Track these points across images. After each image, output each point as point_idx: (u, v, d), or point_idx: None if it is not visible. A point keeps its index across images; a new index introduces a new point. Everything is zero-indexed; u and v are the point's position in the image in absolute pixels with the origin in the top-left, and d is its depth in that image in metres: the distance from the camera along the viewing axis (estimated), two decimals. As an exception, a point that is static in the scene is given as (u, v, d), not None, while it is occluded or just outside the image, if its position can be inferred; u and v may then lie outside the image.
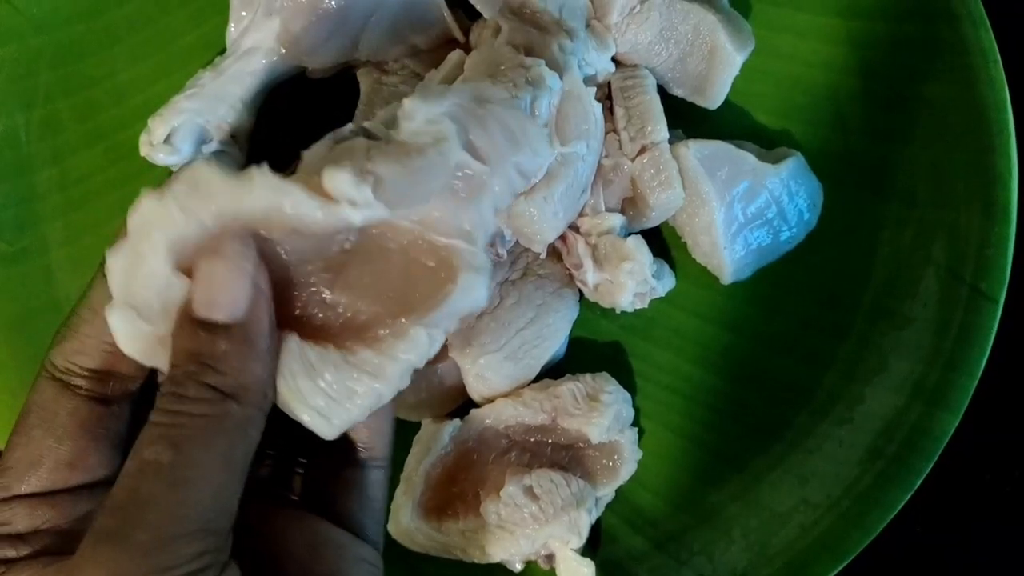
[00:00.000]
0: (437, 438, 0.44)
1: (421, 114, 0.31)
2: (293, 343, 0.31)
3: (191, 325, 0.29)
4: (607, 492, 0.46)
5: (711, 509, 0.46)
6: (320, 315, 0.32)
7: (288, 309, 0.32)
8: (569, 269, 0.47)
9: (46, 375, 0.32)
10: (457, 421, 0.45)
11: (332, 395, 0.30)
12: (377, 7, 0.45)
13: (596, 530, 0.46)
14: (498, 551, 0.43)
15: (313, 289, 0.32)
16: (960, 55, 0.47)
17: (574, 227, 0.46)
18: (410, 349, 0.31)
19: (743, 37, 0.46)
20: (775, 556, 0.45)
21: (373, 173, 0.29)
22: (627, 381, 0.48)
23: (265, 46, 0.45)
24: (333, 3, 0.44)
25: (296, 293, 0.32)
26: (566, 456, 0.45)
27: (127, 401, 0.33)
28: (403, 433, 0.45)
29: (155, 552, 0.26)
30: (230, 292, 0.29)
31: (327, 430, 0.31)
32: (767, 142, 0.49)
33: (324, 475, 0.36)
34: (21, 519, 0.31)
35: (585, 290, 0.46)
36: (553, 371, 0.47)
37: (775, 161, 0.47)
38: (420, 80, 0.46)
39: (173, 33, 0.50)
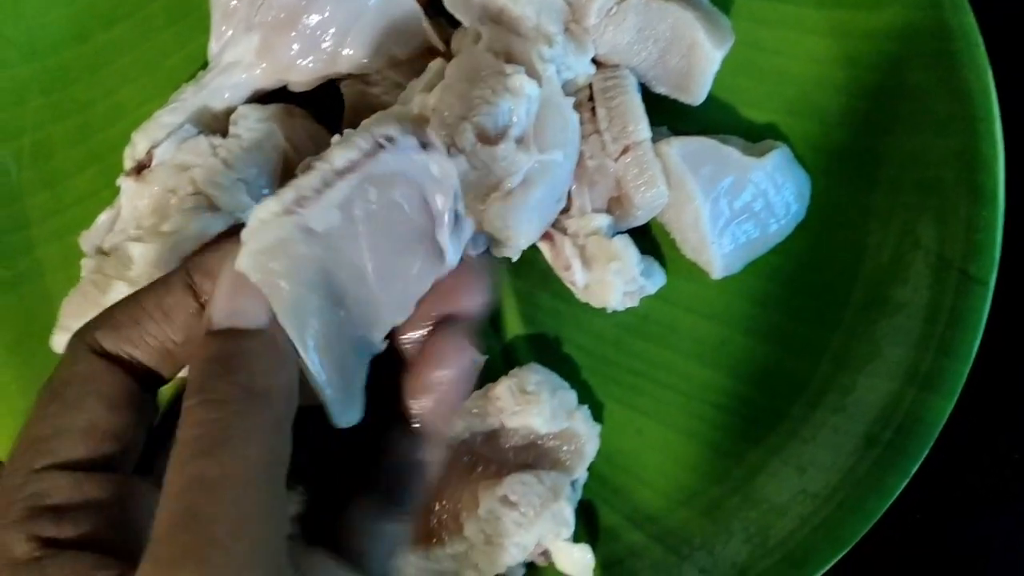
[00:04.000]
0: None
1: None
2: None
3: (213, 337, 0.28)
4: (580, 473, 0.46)
5: (710, 503, 0.47)
6: None
7: None
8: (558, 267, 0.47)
9: (86, 348, 0.29)
10: None
11: None
12: (356, 21, 0.45)
13: (594, 524, 0.47)
14: (493, 566, 0.43)
15: None
16: (942, 41, 0.47)
17: (561, 228, 0.46)
18: None
19: (722, 33, 0.46)
20: (775, 547, 0.45)
21: None
22: (622, 379, 0.48)
23: (245, 61, 0.46)
24: (312, 18, 0.45)
25: None
26: (530, 455, 0.45)
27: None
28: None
29: (235, 571, 0.25)
30: (253, 300, 0.29)
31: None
32: (753, 135, 0.49)
33: (351, 519, 0.32)
34: (62, 490, 0.27)
35: (575, 290, 0.47)
36: (490, 375, 0.47)
37: (760, 154, 0.47)
38: (402, 90, 0.46)
39: (160, 53, 0.51)
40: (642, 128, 0.45)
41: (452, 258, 0.32)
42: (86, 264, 0.45)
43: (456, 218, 0.32)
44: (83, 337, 0.30)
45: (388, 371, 0.32)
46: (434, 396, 0.32)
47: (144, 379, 0.30)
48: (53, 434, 0.28)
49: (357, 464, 0.32)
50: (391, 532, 0.32)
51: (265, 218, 0.29)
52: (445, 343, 0.32)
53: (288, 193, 0.30)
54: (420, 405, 0.32)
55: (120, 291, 0.42)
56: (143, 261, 0.42)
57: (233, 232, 0.30)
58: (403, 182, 0.31)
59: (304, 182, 0.30)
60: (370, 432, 0.32)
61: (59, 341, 0.44)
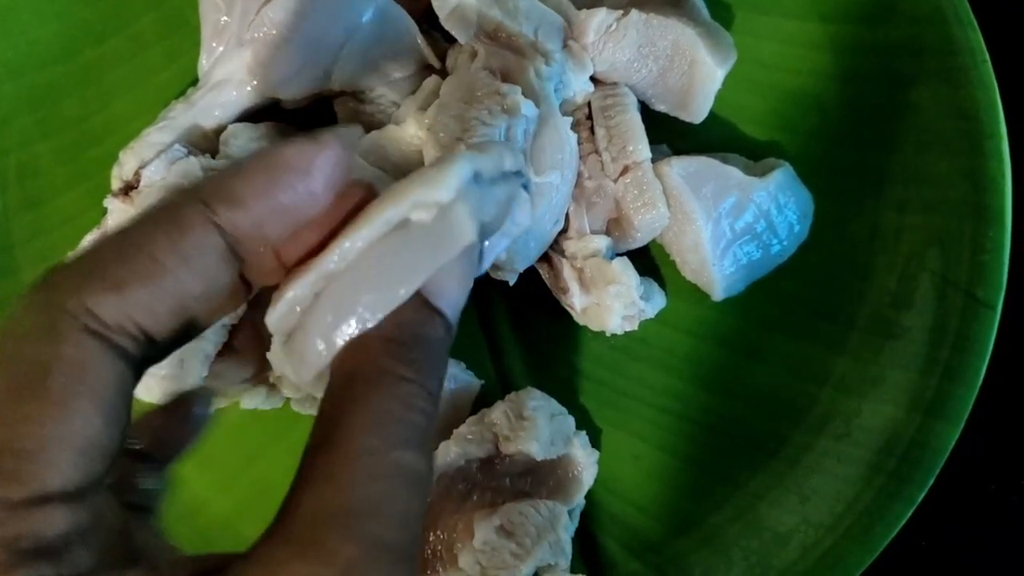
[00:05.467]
0: None
1: None
2: None
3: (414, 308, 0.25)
4: (578, 501, 0.45)
5: (711, 531, 0.45)
6: None
7: None
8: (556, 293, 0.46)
9: (73, 321, 0.22)
10: None
11: None
12: (349, 37, 0.44)
13: (592, 554, 0.46)
14: None
15: None
16: (948, 57, 0.46)
17: (559, 250, 0.45)
18: None
19: (724, 50, 0.45)
20: (777, 578, 0.44)
21: None
22: (621, 403, 0.47)
23: (236, 78, 0.45)
24: (304, 34, 0.44)
25: None
26: (527, 482, 0.44)
27: None
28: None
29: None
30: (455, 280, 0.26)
31: None
32: (755, 153, 0.48)
33: None
34: (56, 525, 0.21)
35: (574, 314, 0.46)
36: (487, 400, 0.46)
37: (763, 172, 0.46)
38: (397, 108, 0.45)
39: (150, 70, 0.50)
40: (642, 148, 0.44)
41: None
42: None
43: None
44: (66, 302, 0.22)
45: None
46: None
47: (148, 355, 0.24)
48: (36, 450, 0.21)
49: None
50: None
51: None
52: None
53: None
54: None
55: None
56: None
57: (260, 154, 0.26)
58: None
59: None
60: None
61: None
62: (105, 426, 0.22)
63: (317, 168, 0.25)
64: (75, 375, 0.22)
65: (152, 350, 0.24)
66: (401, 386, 0.24)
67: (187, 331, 0.25)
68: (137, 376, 0.24)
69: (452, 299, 0.26)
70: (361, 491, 0.22)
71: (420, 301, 0.26)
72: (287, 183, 0.25)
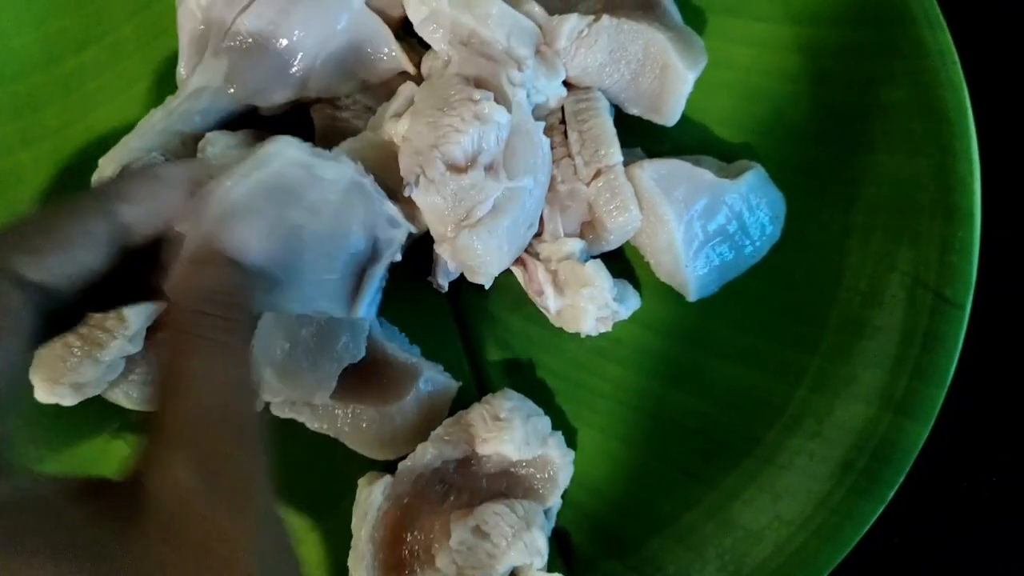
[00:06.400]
0: (371, 499, 0.43)
1: None
2: None
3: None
4: (554, 501, 0.45)
5: (685, 530, 0.46)
6: None
7: None
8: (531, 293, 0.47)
9: (13, 280, 0.29)
10: (388, 478, 0.44)
11: None
12: (324, 44, 0.45)
13: (568, 553, 0.46)
14: None
15: None
16: (918, 58, 0.47)
17: (534, 253, 0.46)
18: None
19: (694, 53, 0.46)
20: (750, 575, 0.44)
21: None
22: (597, 404, 0.48)
23: (214, 85, 0.45)
24: (280, 42, 0.44)
25: None
26: (503, 483, 0.45)
27: None
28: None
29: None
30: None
31: None
32: (727, 155, 0.49)
33: None
34: None
35: (548, 316, 0.46)
36: (463, 401, 0.46)
37: (735, 174, 0.47)
38: (372, 114, 0.46)
39: (130, 78, 0.50)
40: (614, 152, 0.45)
41: None
42: None
43: None
44: (1, 262, 0.29)
45: None
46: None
47: (49, 311, 0.31)
48: None
49: None
50: None
51: None
52: None
53: None
54: None
55: (119, 347, 0.43)
56: (137, 320, 0.43)
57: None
58: None
59: None
60: None
61: (44, 396, 0.43)
62: (22, 360, 0.29)
63: (182, 185, 0.34)
64: (9, 320, 0.29)
65: (58, 306, 0.30)
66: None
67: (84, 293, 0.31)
68: (44, 326, 0.30)
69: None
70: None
71: None
72: (163, 193, 0.33)
